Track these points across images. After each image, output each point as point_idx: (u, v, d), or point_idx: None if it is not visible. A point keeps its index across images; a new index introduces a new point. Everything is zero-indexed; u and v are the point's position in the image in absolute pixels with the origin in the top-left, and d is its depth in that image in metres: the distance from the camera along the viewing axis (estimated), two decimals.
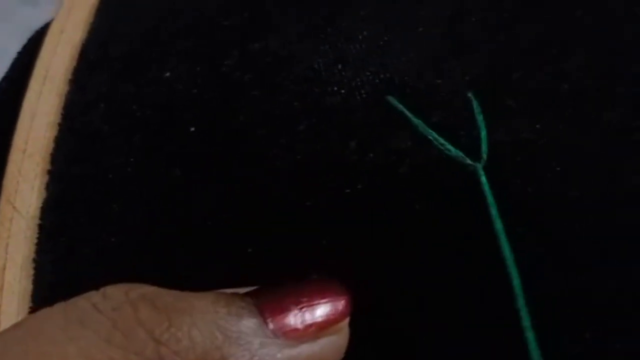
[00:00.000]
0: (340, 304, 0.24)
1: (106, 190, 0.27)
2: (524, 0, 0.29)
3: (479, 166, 0.25)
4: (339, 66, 0.28)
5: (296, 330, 0.23)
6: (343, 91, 0.27)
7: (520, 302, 0.24)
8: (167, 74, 0.29)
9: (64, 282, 0.27)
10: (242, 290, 0.24)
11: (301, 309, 0.23)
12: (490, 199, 0.25)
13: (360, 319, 0.24)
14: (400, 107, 0.26)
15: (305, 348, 0.23)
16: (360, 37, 0.28)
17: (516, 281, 0.24)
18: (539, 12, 0.28)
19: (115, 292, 0.22)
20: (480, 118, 0.25)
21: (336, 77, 0.27)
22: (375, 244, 0.25)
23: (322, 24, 0.29)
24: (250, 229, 0.26)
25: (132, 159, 0.28)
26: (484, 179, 0.25)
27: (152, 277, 0.23)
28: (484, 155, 0.25)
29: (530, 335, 0.24)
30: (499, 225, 0.24)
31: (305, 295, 0.23)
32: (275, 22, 0.30)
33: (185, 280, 0.23)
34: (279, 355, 0.22)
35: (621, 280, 0.24)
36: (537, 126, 0.26)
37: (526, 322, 0.24)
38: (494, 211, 0.24)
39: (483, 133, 0.25)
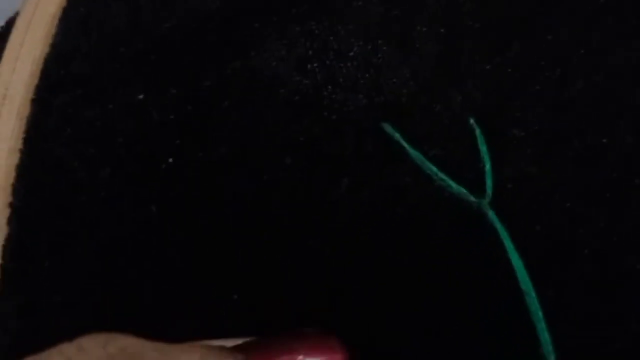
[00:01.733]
0: None
1: (72, 231, 0.25)
2: (521, 18, 0.27)
3: (485, 203, 0.23)
4: (329, 88, 0.25)
5: None
6: (334, 117, 0.25)
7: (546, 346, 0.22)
8: (140, 97, 0.26)
9: (29, 330, 0.24)
10: (230, 342, 0.22)
11: None
12: (503, 233, 0.23)
13: None
14: (397, 136, 0.24)
15: None
16: (351, 53, 0.26)
17: (540, 325, 0.22)
18: (537, 32, 0.26)
19: (91, 345, 0.20)
20: (484, 149, 0.24)
21: (325, 101, 0.25)
22: (373, 291, 0.23)
23: (309, 38, 0.26)
24: (234, 275, 0.24)
25: (101, 195, 0.25)
26: (492, 214, 0.23)
27: (128, 326, 0.21)
28: (489, 191, 0.23)
29: None
30: (516, 260, 0.23)
31: (301, 352, 0.22)
32: (257, 36, 0.27)
33: (165, 330, 0.21)
34: None
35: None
36: (542, 159, 0.24)
37: None
38: (509, 245, 0.23)
39: (488, 166, 0.23)
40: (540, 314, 0.22)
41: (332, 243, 0.23)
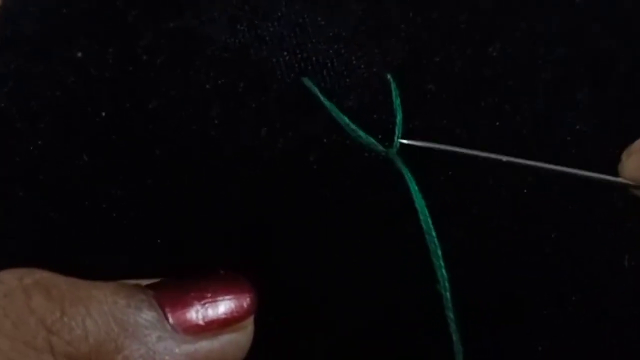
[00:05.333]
0: (245, 301, 0.23)
1: (11, 175, 0.26)
2: None
3: (393, 151, 0.24)
4: (255, 45, 0.26)
5: (197, 325, 0.22)
6: (258, 72, 0.26)
7: (445, 293, 0.23)
8: (79, 55, 0.27)
9: None
10: (144, 282, 0.23)
11: (204, 304, 0.22)
12: (409, 177, 0.24)
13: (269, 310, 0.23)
14: (314, 89, 0.25)
15: (205, 344, 0.22)
16: (278, 14, 0.27)
17: (438, 262, 0.23)
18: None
19: (8, 278, 0.21)
20: (397, 102, 0.24)
21: (251, 57, 0.26)
22: (285, 233, 0.24)
23: (239, 1, 0.27)
24: (159, 219, 0.25)
25: (39, 143, 0.26)
26: (399, 161, 0.24)
27: (53, 266, 0.22)
28: (397, 141, 0.24)
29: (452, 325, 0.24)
30: (419, 202, 0.24)
31: (209, 290, 0.23)
32: None
33: (89, 271, 0.22)
34: (176, 350, 0.22)
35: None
36: (456, 113, 0.25)
37: (449, 310, 0.23)
38: (413, 189, 0.24)
39: (398, 117, 0.24)
40: (439, 251, 0.23)
41: (250, 189, 0.25)
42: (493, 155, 0.24)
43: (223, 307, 0.23)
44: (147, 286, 0.23)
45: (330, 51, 0.26)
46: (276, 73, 0.26)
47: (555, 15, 0.26)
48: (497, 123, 0.25)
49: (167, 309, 0.22)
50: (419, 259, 0.23)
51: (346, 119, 0.24)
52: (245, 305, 0.23)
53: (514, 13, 0.27)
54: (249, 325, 0.23)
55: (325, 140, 0.24)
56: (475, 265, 0.24)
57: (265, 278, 0.24)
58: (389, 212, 0.24)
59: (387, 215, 0.24)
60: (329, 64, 0.26)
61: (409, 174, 0.23)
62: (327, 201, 0.24)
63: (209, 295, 0.23)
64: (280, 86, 0.26)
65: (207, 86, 0.26)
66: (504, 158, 0.23)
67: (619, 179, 0.23)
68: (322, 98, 0.25)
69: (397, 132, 0.24)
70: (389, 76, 0.25)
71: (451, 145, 0.24)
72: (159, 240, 0.25)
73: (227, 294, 0.23)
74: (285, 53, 0.26)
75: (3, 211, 0.26)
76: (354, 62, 0.26)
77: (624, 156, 0.23)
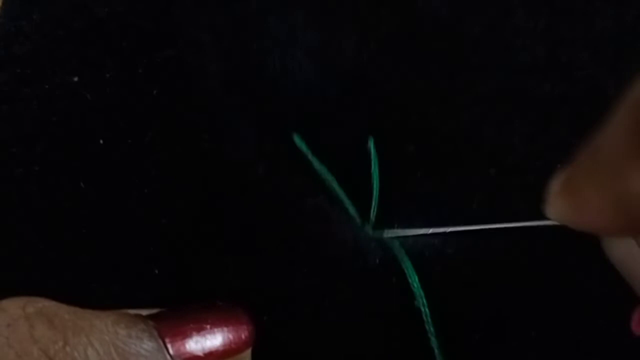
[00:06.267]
0: (243, 333, 0.24)
1: (5, 202, 0.26)
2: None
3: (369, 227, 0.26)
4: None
5: (196, 356, 0.23)
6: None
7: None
8: (75, 79, 0.28)
9: None
10: (144, 312, 0.24)
11: (203, 335, 0.23)
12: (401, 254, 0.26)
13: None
14: (305, 148, 0.26)
15: None
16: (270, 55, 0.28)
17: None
18: None
19: (11, 307, 0.21)
20: (375, 173, 0.26)
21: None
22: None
23: (235, 30, 0.29)
24: (156, 247, 0.26)
25: (35, 169, 0.26)
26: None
27: (52, 292, 0.22)
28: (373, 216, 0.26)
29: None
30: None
31: (208, 322, 0.23)
32: (186, 27, 0.29)
33: (87, 299, 0.23)
34: None
35: None
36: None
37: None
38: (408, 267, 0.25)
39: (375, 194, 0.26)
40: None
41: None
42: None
43: (221, 338, 0.23)
44: (148, 316, 0.23)
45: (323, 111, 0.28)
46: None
47: None
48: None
49: (167, 340, 0.22)
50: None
51: (336, 185, 0.26)
52: (243, 336, 0.24)
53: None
54: (246, 357, 0.24)
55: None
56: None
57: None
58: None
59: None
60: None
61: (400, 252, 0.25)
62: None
63: (208, 326, 0.23)
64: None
65: (202, 116, 0.27)
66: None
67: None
68: (312, 158, 0.26)
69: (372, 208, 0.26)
70: (370, 143, 0.27)
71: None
72: (156, 271, 0.25)
73: (225, 326, 0.23)
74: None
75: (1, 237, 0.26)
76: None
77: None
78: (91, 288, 0.25)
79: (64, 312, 0.22)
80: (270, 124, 0.27)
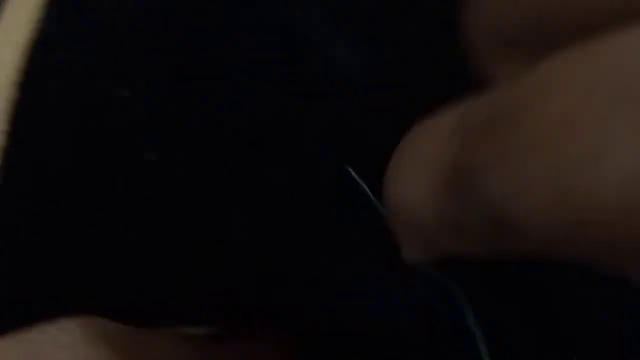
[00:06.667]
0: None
1: (50, 214, 0.26)
2: None
3: None
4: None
5: None
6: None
7: None
8: (126, 93, 0.27)
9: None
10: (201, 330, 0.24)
11: None
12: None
13: None
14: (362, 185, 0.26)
15: None
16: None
17: None
18: None
19: (71, 326, 0.21)
20: None
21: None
22: None
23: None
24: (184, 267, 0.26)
25: (82, 184, 0.26)
26: None
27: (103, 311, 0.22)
28: None
29: None
30: None
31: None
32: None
33: (139, 317, 0.23)
34: None
35: None
36: None
37: None
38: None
39: None
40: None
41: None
42: None
43: None
44: (206, 338, 0.23)
45: None
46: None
47: None
48: None
49: None
50: None
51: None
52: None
53: None
54: None
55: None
56: None
57: None
58: None
59: None
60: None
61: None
62: None
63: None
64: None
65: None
66: None
67: None
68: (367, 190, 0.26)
69: None
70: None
71: None
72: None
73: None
74: None
75: (45, 256, 0.26)
76: None
77: None
78: (145, 306, 0.25)
79: (125, 333, 0.22)
80: None
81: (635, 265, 0.10)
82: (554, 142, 0.09)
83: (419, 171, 0.13)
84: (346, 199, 0.26)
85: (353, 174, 0.26)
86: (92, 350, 0.21)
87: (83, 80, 0.28)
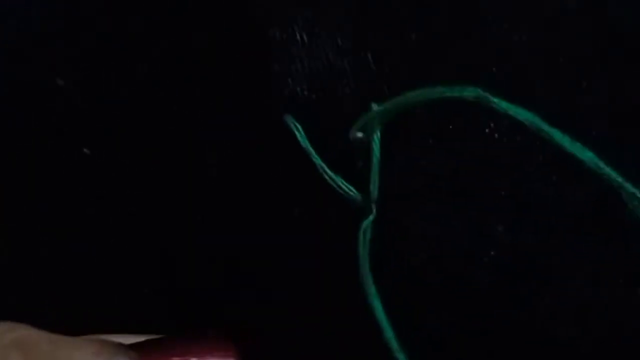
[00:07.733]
0: None
1: None
2: None
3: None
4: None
5: None
6: None
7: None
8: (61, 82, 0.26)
9: None
10: (130, 339, 0.23)
11: None
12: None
13: None
14: (298, 129, 0.25)
15: None
16: None
17: None
18: None
19: None
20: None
21: None
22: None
23: None
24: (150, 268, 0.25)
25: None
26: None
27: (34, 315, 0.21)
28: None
29: None
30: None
31: (192, 353, 0.23)
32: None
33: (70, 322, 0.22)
34: None
35: None
36: None
37: None
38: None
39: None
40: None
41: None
42: None
43: None
44: (133, 345, 0.22)
45: None
46: None
47: None
48: None
49: None
50: None
51: (325, 167, 0.24)
52: None
53: None
54: None
55: None
56: None
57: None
58: None
59: None
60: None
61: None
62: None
63: (192, 357, 0.23)
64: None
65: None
66: None
67: None
68: (302, 140, 0.24)
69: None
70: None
71: None
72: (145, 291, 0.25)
73: (210, 357, 0.23)
74: None
75: None
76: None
77: None
78: (75, 310, 0.25)
79: (43, 341, 0.21)
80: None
81: None
82: None
83: None
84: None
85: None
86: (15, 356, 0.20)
87: (19, 67, 0.27)
